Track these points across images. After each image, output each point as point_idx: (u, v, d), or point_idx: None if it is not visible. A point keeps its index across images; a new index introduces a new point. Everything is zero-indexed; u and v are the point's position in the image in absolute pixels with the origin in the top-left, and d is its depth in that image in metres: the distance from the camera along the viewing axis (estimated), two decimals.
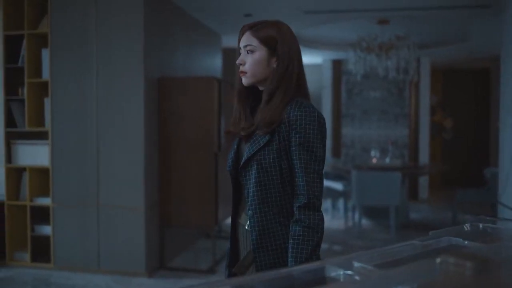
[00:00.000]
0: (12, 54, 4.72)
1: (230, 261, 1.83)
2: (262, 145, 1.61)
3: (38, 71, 4.68)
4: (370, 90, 9.02)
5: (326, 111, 9.15)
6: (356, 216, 6.44)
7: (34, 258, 4.70)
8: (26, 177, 4.70)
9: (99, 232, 4.47)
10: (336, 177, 7.44)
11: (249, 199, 1.65)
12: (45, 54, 4.62)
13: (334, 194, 6.86)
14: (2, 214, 4.77)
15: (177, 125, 4.61)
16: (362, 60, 6.75)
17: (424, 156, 8.76)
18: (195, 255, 5.26)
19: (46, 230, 4.66)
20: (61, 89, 4.53)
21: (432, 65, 9.13)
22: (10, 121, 4.71)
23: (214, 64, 6.53)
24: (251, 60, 1.66)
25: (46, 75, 4.62)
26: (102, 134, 4.44)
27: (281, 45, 1.64)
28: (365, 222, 6.61)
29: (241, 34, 1.71)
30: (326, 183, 7.11)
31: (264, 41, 1.65)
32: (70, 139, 4.52)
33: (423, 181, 8.79)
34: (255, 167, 1.62)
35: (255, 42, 1.65)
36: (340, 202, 7.24)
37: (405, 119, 8.89)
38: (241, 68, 1.68)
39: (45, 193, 4.76)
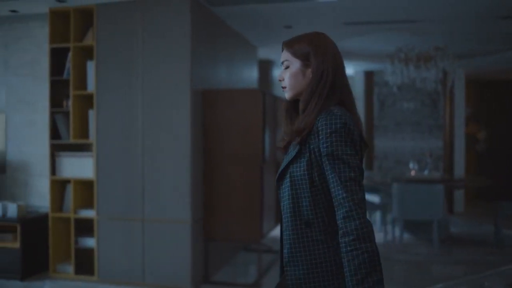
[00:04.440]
0: (57, 66, 4.76)
1: (281, 273, 1.82)
2: (293, 156, 1.59)
3: (83, 84, 4.70)
4: (403, 102, 8.91)
5: None
6: (396, 229, 6.31)
7: (78, 271, 4.68)
8: (70, 189, 4.70)
9: (144, 246, 4.44)
10: (371, 190, 7.32)
11: (283, 212, 1.64)
12: (90, 66, 4.65)
13: (371, 207, 6.73)
14: (46, 226, 4.78)
15: (221, 137, 4.58)
16: (400, 71, 6.68)
17: (459, 169, 8.59)
18: (237, 268, 5.20)
19: (90, 242, 4.64)
20: (106, 101, 4.54)
21: (465, 76, 8.98)
22: (54, 133, 4.73)
23: (251, 76, 6.51)
24: (288, 74, 1.69)
25: (91, 87, 4.64)
26: (147, 147, 4.43)
27: (314, 55, 1.64)
28: (405, 236, 6.46)
29: (282, 51, 1.74)
30: None
31: (296, 54, 1.67)
32: (114, 151, 4.52)
33: (458, 194, 8.61)
34: (288, 180, 1.61)
35: (289, 57, 1.69)
36: (377, 215, 7.11)
37: (439, 130, 8.75)
38: (281, 84, 1.72)
39: (89, 205, 4.76)
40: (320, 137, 1.53)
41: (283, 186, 1.63)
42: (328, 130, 1.52)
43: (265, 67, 7.47)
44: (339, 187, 1.49)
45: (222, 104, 4.60)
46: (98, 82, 4.56)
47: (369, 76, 9.09)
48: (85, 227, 4.77)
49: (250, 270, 5.16)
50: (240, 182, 4.53)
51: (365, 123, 9.05)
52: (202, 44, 4.62)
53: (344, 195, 1.48)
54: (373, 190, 7.25)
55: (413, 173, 6.82)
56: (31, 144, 5.22)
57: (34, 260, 4.77)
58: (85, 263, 4.73)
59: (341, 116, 1.53)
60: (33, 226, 4.76)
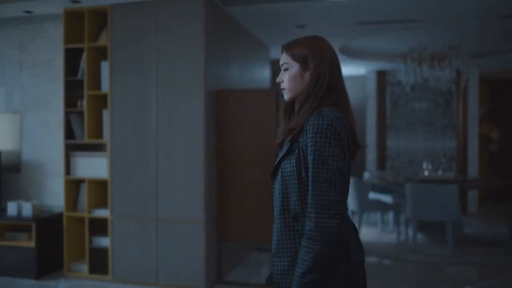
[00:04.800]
0: (71, 66, 4.79)
1: None
2: (284, 153, 1.68)
3: (97, 84, 4.73)
4: (415, 101, 8.85)
5: (371, 123, 9.01)
6: (410, 230, 6.27)
7: (92, 270, 4.70)
8: (84, 188, 4.73)
9: (158, 245, 4.45)
10: (384, 190, 7.28)
11: (274, 205, 1.74)
12: (104, 66, 4.67)
13: (383, 207, 6.69)
14: (61, 225, 4.81)
15: (234, 137, 4.57)
16: (413, 71, 6.63)
17: (472, 169, 8.52)
18: (250, 268, 5.19)
19: (104, 242, 4.67)
20: (120, 101, 4.56)
21: (479, 75, 8.90)
22: (69, 133, 4.76)
23: (263, 76, 6.50)
24: (287, 77, 1.75)
25: (105, 87, 4.66)
26: (161, 147, 4.44)
27: (312, 59, 1.70)
28: (418, 236, 6.41)
29: (281, 53, 1.81)
30: (374, 195, 6.97)
31: (295, 58, 1.73)
32: (129, 151, 4.53)
33: (471, 195, 8.54)
34: (280, 175, 1.70)
35: (288, 60, 1.75)
36: (390, 215, 7.07)
37: (452, 130, 8.68)
38: (281, 86, 1.79)
39: (103, 205, 4.78)
40: (307, 136, 1.61)
41: (276, 181, 1.72)
42: (315, 130, 1.59)
43: (277, 67, 7.46)
44: (312, 187, 1.58)
45: (236, 104, 4.60)
46: (112, 82, 4.58)
47: (381, 75, 9.04)
48: (99, 227, 4.80)
49: (263, 270, 5.15)
50: (253, 182, 4.52)
51: (377, 123, 9.01)
52: (215, 44, 4.63)
53: (312, 195, 1.57)
54: (386, 190, 7.21)
55: (426, 173, 6.77)
56: (45, 144, 5.26)
57: (49, 259, 4.81)
58: (99, 263, 4.75)
59: (328, 117, 1.60)
60: (47, 225, 4.79)
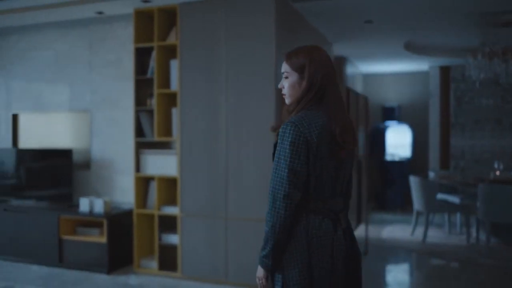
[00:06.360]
0: (141, 66, 4.85)
1: None
2: (273, 149, 1.92)
3: (166, 82, 4.77)
4: (482, 98, 8.48)
5: (434, 120, 8.72)
6: (481, 232, 6.00)
7: (161, 266, 4.76)
8: (154, 186, 4.78)
9: (227, 244, 4.44)
10: (450, 190, 7.01)
11: None
12: (174, 65, 4.70)
13: (451, 208, 6.44)
14: (131, 222, 4.89)
15: None
16: (483, 66, 6.34)
17: None
18: None
19: (173, 239, 4.71)
20: (190, 99, 4.58)
21: None
22: (138, 131, 4.83)
23: None
24: (287, 84, 1.96)
25: (174, 86, 4.70)
26: (231, 145, 4.42)
27: (308, 69, 1.89)
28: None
29: (284, 61, 2.00)
30: (441, 196, 6.72)
31: (294, 68, 1.93)
32: (198, 149, 4.55)
33: None
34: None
35: (288, 69, 1.95)
36: (457, 217, 6.81)
37: None
38: (282, 91, 2.00)
39: (172, 202, 4.83)
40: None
41: None
42: (279, 133, 1.85)
43: (339, 63, 7.33)
44: (271, 181, 1.85)
45: None
46: (181, 81, 4.60)
47: (445, 71, 8.71)
48: (169, 224, 4.84)
49: None
50: None
51: (441, 120, 8.69)
52: (285, 41, 4.56)
53: (271, 187, 1.84)
54: (452, 190, 6.94)
55: (498, 173, 6.46)
56: (114, 142, 5.37)
57: (119, 255, 4.90)
58: (168, 259, 4.80)
59: (291, 123, 1.82)
60: (118, 221, 4.88)
